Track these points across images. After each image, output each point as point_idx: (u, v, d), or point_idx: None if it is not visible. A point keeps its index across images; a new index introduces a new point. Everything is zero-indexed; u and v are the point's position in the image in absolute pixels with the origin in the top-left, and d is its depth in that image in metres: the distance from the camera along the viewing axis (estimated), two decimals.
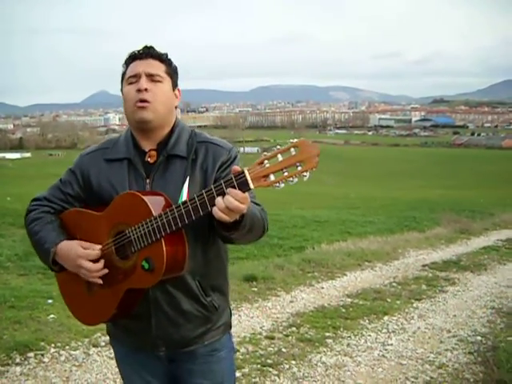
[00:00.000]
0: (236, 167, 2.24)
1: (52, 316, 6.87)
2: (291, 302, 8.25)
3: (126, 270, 2.50)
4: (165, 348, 2.74)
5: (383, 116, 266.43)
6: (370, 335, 6.86)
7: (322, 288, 9.17)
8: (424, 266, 11.28)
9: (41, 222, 2.69)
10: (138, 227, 2.42)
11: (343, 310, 7.88)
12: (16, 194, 27.30)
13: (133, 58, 2.66)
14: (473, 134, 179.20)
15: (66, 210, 2.75)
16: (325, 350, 6.31)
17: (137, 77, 2.60)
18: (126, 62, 2.69)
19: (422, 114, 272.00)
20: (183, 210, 2.33)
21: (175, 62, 2.73)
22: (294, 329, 6.96)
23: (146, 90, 2.57)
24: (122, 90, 2.71)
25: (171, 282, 2.55)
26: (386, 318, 7.62)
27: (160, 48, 2.72)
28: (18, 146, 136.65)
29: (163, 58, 2.67)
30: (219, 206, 2.21)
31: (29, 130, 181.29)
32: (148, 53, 2.65)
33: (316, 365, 5.89)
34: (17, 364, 5.61)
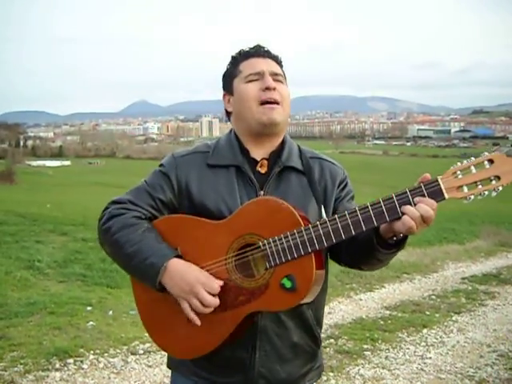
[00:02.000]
0: (427, 175, 2.06)
1: (91, 323, 6.93)
2: (329, 313, 8.21)
3: (253, 290, 2.16)
4: None
5: (422, 127, 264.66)
6: (408, 348, 6.81)
7: (361, 300, 9.13)
8: (463, 278, 11.15)
9: (137, 230, 2.27)
10: (280, 239, 2.12)
11: (381, 322, 7.82)
12: (55, 202, 27.59)
13: (247, 55, 2.44)
14: None
15: (154, 218, 2.37)
16: (363, 362, 6.28)
17: (260, 74, 2.38)
18: (235, 59, 2.47)
19: (462, 124, 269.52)
20: (349, 220, 2.08)
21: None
22: (332, 340, 6.93)
23: (274, 89, 2.36)
24: (228, 90, 2.48)
25: None
26: (424, 330, 7.55)
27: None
28: (58, 154, 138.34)
29: (279, 61, 2.48)
30: (412, 214, 2.00)
31: (69, 138, 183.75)
32: (265, 53, 2.44)
33: (354, 377, 5.86)
34: (56, 370, 5.68)
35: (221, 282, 2.17)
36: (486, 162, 2.01)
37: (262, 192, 2.33)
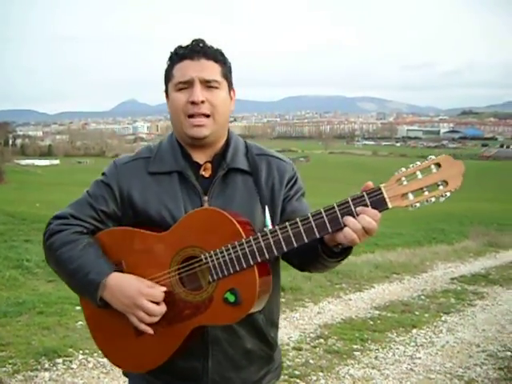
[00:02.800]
0: (369, 183, 1.97)
1: (80, 322, 6.89)
2: (319, 313, 8.23)
3: (197, 303, 2.10)
4: None
5: (411, 127, 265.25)
6: (397, 348, 6.82)
7: (350, 300, 9.14)
8: (452, 279, 11.20)
9: (77, 246, 2.21)
10: (222, 251, 2.05)
11: (371, 323, 7.84)
12: (45, 201, 27.53)
13: (181, 56, 2.25)
14: (502, 146, 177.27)
15: (98, 230, 2.30)
16: (352, 362, 6.28)
17: (189, 83, 2.22)
18: (171, 59, 2.30)
19: (451, 125, 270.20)
20: (291, 232, 2.00)
21: None
22: (321, 340, 6.93)
23: (202, 102, 2.21)
24: (166, 91, 2.34)
25: None
26: (414, 331, 7.56)
27: None
28: (47, 153, 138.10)
29: (218, 57, 2.28)
30: (354, 226, 1.92)
31: (58, 137, 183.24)
32: (200, 51, 2.24)
33: (344, 377, 5.86)
34: (45, 369, 5.65)
35: (164, 288, 2.13)
36: (432, 166, 1.92)
37: (206, 197, 2.25)
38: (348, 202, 1.95)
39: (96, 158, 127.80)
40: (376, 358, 6.47)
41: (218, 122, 2.26)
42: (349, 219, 1.93)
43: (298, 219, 2.00)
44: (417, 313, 8.46)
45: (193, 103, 2.21)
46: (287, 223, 2.01)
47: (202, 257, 2.08)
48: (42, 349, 6.02)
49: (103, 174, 2.37)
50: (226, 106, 2.31)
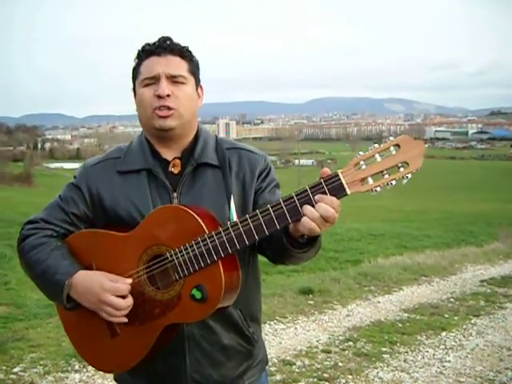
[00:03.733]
0: (326, 169, 1.94)
1: None
2: (347, 315, 8.20)
3: (166, 302, 2.10)
4: None
5: (439, 128, 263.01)
6: (427, 351, 6.77)
7: (379, 302, 9.08)
8: (482, 281, 11.05)
9: (45, 249, 2.22)
10: (186, 248, 2.05)
11: (400, 325, 7.79)
12: None
13: (148, 53, 2.27)
14: None
15: (70, 233, 2.31)
16: (381, 365, 6.26)
17: (155, 78, 2.23)
18: (138, 56, 2.31)
19: (479, 126, 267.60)
20: (251, 225, 1.99)
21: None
22: (350, 343, 6.91)
23: (168, 96, 2.22)
24: (134, 89, 2.35)
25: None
26: (443, 333, 7.50)
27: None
28: (76, 156, 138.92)
29: (184, 54, 2.30)
30: (311, 215, 1.89)
31: (86, 140, 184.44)
32: (167, 47, 2.26)
33: (373, 380, 5.84)
34: (76, 371, 5.72)
35: (129, 280, 2.13)
36: (392, 148, 1.89)
37: (175, 194, 2.25)
38: (306, 191, 1.93)
39: None
40: (405, 360, 6.43)
41: (184, 116, 2.27)
42: (306, 208, 1.91)
43: (257, 211, 1.99)
44: (446, 315, 8.39)
45: (159, 97, 2.21)
46: (247, 216, 2.01)
47: (168, 255, 2.09)
48: (72, 350, 6.05)
49: (74, 176, 2.41)
50: (193, 102, 2.32)
